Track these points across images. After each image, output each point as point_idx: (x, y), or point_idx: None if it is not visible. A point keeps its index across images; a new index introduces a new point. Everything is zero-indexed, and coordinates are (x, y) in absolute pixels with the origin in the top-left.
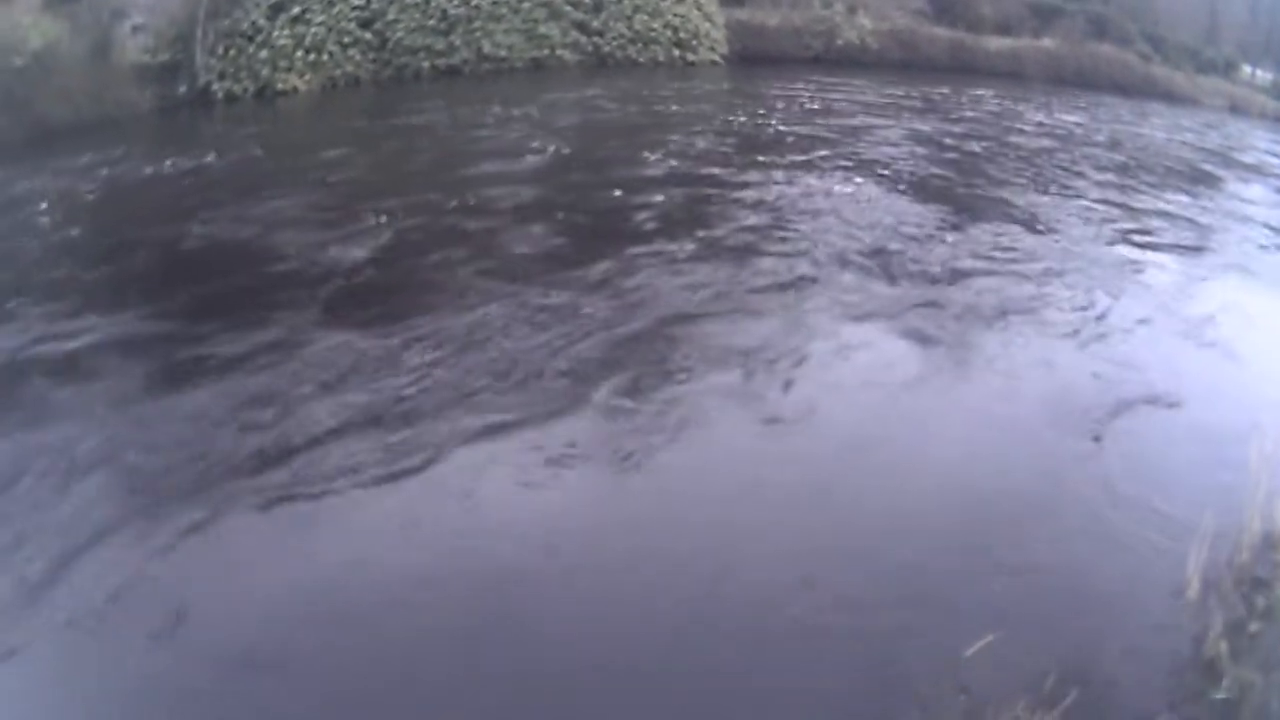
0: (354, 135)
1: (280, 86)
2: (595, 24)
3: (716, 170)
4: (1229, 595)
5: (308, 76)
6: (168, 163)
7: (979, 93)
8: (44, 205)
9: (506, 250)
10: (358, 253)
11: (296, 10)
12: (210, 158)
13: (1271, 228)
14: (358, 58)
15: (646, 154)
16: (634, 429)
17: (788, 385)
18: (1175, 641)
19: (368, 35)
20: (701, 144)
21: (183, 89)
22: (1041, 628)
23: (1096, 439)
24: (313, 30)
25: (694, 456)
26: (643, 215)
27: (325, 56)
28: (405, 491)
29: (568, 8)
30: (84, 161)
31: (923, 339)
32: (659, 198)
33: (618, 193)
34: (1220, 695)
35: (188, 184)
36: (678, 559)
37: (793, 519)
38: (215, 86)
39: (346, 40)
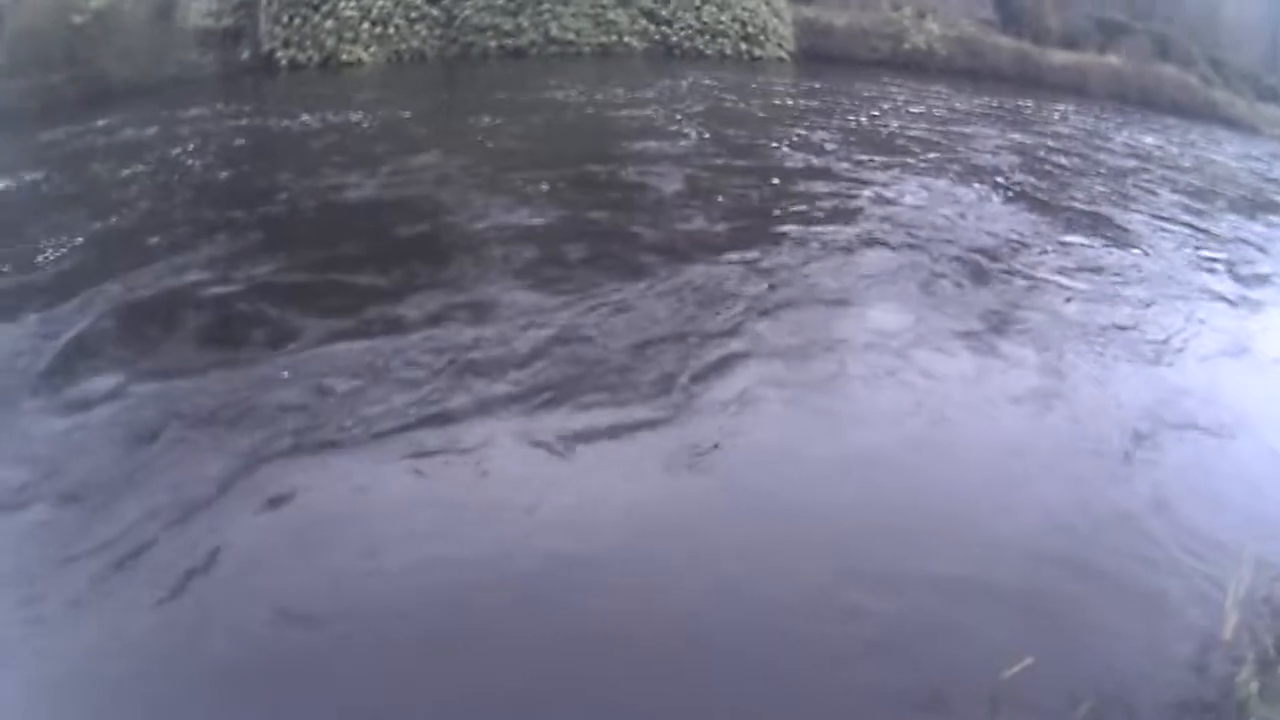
0: (491, 106)
1: (345, 57)
2: (664, 13)
3: (844, 165)
4: (1262, 633)
5: (373, 49)
6: (287, 121)
7: (1058, 107)
8: (189, 147)
9: (671, 228)
10: (525, 216)
11: None
12: (348, 115)
13: None
14: (424, 33)
15: (777, 145)
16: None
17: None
18: (1208, 679)
19: (435, 11)
20: (821, 137)
21: (245, 54)
22: (1079, 654)
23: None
24: (379, 3)
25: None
26: (794, 204)
27: (391, 30)
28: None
29: None
30: (189, 114)
31: (998, 346)
32: (803, 187)
33: (774, 180)
34: None
35: (330, 140)
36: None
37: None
38: (280, 54)
39: (414, 15)
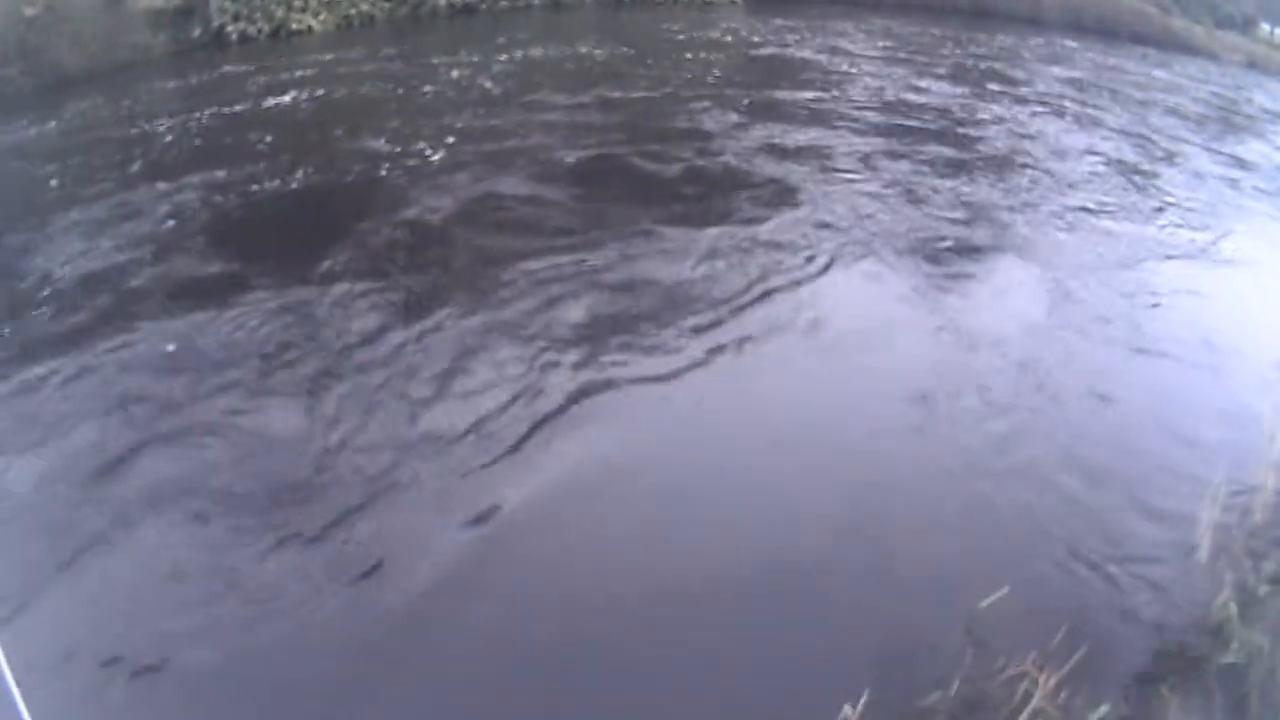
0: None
1: (295, 26)
2: None
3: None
4: (1240, 558)
5: (322, 16)
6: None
7: (1003, 37)
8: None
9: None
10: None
11: None
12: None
13: None
14: None
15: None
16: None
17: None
18: (1185, 603)
19: None
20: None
21: (197, 32)
22: (1053, 584)
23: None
24: None
25: None
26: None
27: None
28: None
29: None
30: (138, 97)
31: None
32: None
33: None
34: (1228, 659)
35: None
36: None
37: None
38: (230, 28)
39: None
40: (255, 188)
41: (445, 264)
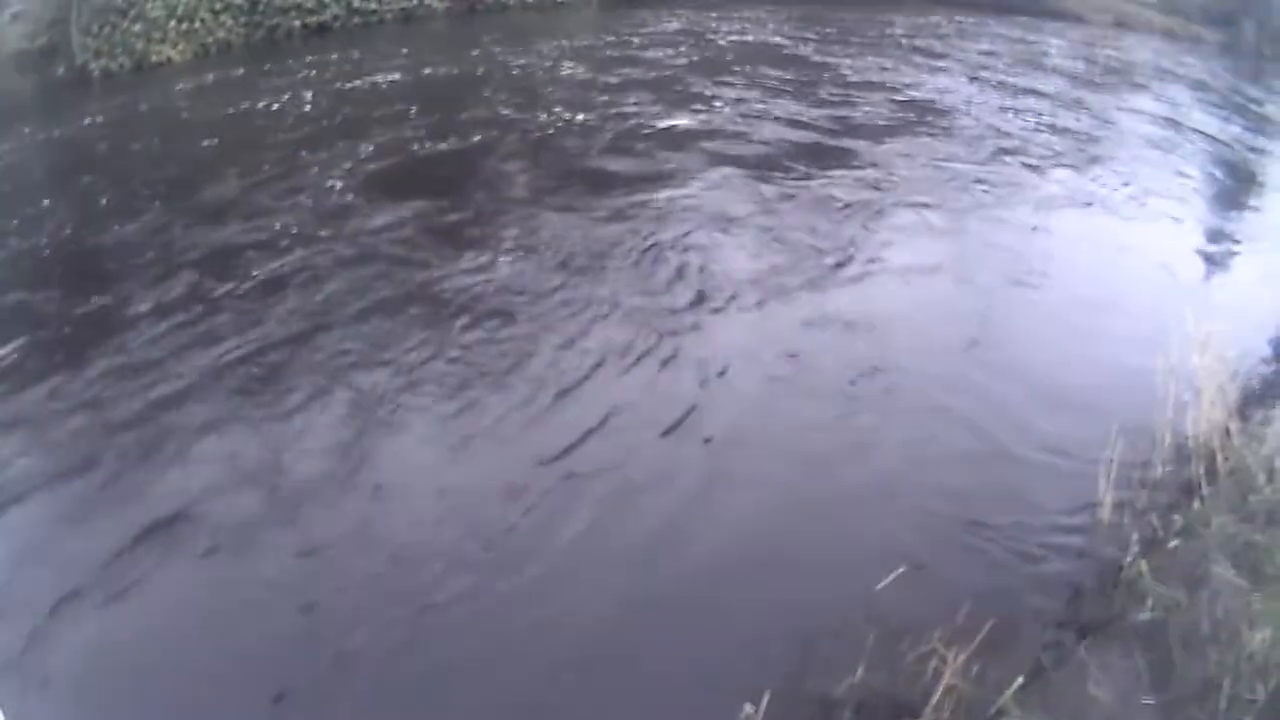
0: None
1: (155, 59)
2: None
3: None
4: (1145, 514)
5: (181, 46)
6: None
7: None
8: None
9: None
10: None
11: None
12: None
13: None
14: (229, 23)
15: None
16: None
17: None
18: (1092, 564)
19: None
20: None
21: (61, 70)
22: (951, 558)
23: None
24: None
25: None
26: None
27: (198, 24)
28: None
29: None
30: None
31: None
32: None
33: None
34: (1145, 615)
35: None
36: None
37: None
38: (92, 65)
39: (218, 6)
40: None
41: None
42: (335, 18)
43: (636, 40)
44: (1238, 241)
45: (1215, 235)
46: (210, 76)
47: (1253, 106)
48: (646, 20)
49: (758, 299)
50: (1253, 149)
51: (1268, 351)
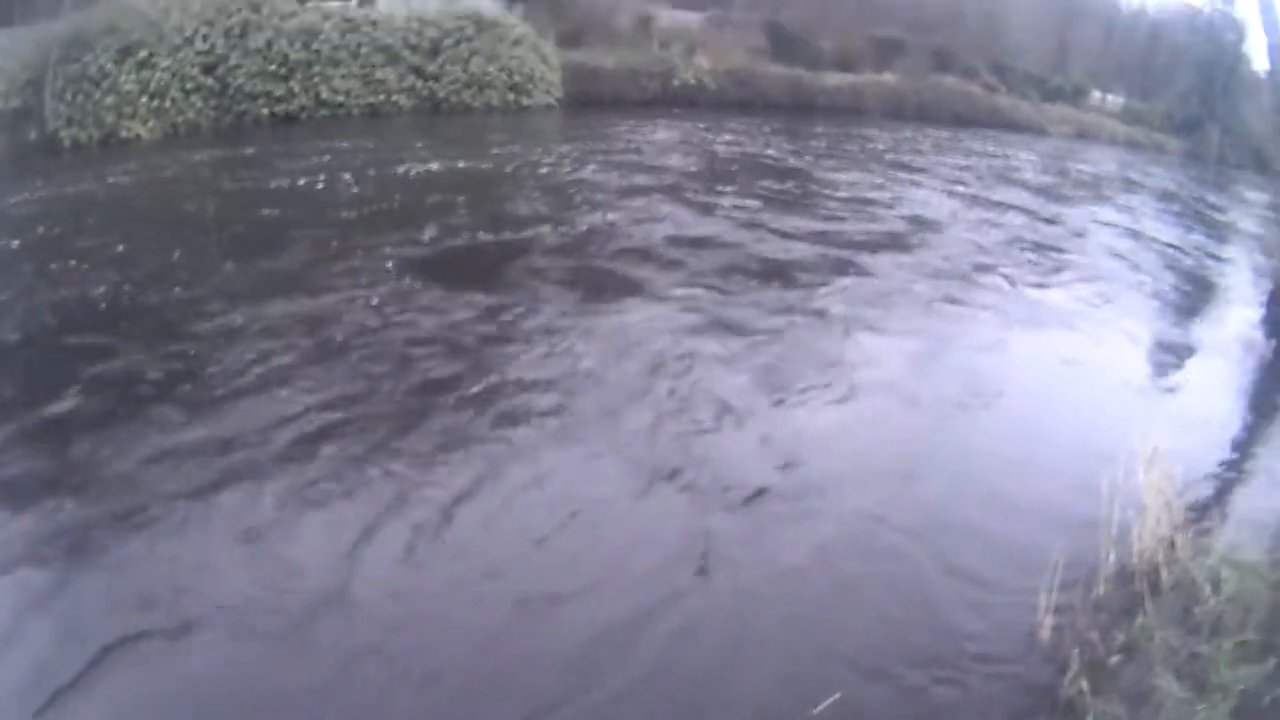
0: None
1: (124, 134)
2: (431, 68)
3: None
4: (1086, 632)
5: (150, 124)
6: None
7: (817, 128)
8: None
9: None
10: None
11: (144, 54)
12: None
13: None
14: (199, 104)
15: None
16: None
17: None
18: (1032, 687)
19: (210, 81)
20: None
21: (33, 135)
22: (889, 683)
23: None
24: (158, 75)
25: None
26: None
27: (168, 103)
28: None
29: (406, 52)
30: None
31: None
32: None
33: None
34: None
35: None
36: None
37: None
38: (63, 133)
39: (189, 86)
40: None
41: None
42: (303, 108)
43: (595, 154)
44: (1193, 353)
45: (1171, 348)
46: (216, 153)
47: (1215, 214)
48: (598, 128)
49: (676, 430)
50: (1213, 256)
51: (1215, 464)
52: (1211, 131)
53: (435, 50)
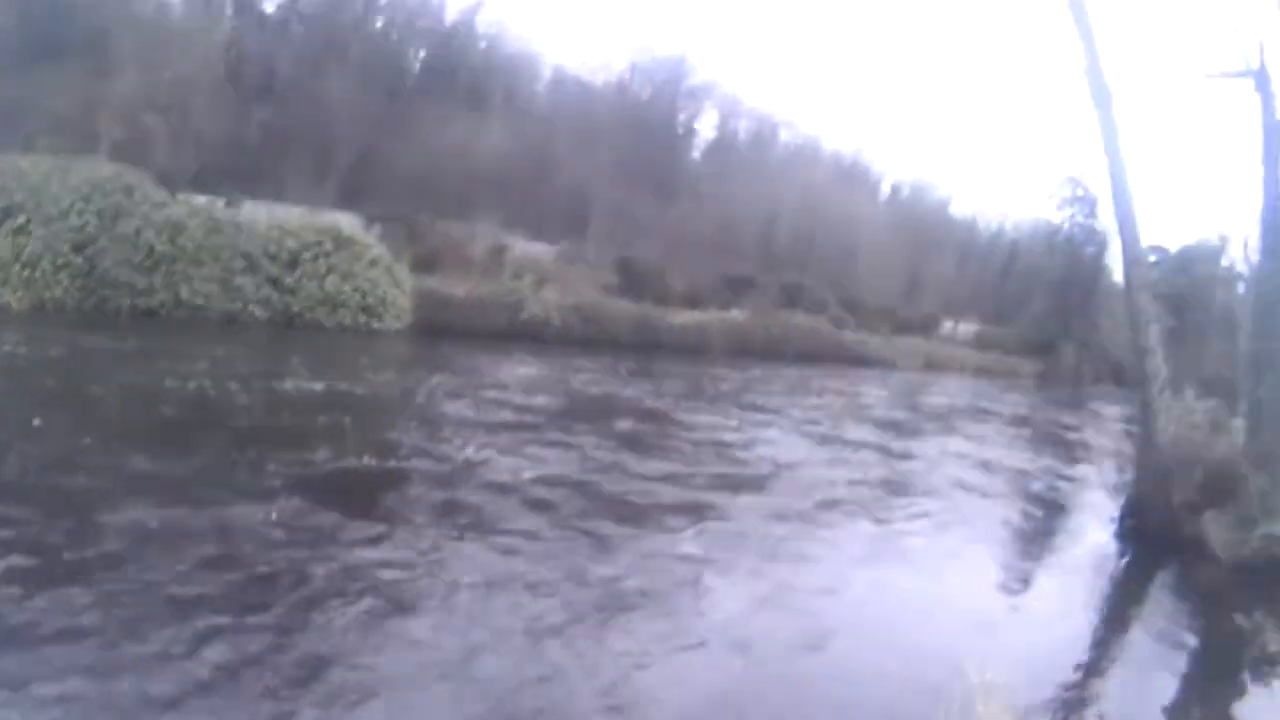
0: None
1: None
2: (289, 281)
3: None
4: None
5: (20, 293)
6: None
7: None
8: None
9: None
10: None
11: (22, 219)
12: None
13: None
14: (65, 282)
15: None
16: None
17: None
18: None
19: (78, 260)
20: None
21: None
22: None
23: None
24: (30, 245)
25: None
26: None
27: (39, 274)
28: None
29: (265, 260)
30: None
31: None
32: None
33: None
34: None
35: None
36: None
37: None
38: None
39: (59, 261)
40: None
41: None
42: (162, 304)
43: (467, 388)
44: (1037, 576)
45: (1015, 573)
46: (97, 340)
47: (1068, 434)
48: (460, 360)
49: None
50: (1064, 477)
51: (1051, 693)
52: (1067, 351)
53: (294, 262)
